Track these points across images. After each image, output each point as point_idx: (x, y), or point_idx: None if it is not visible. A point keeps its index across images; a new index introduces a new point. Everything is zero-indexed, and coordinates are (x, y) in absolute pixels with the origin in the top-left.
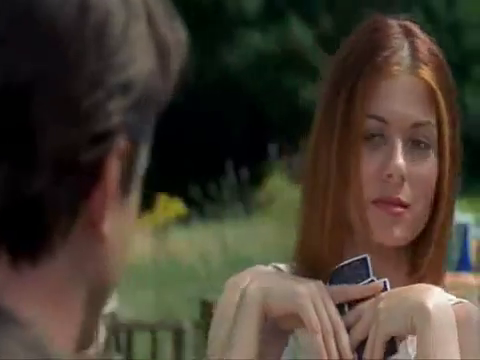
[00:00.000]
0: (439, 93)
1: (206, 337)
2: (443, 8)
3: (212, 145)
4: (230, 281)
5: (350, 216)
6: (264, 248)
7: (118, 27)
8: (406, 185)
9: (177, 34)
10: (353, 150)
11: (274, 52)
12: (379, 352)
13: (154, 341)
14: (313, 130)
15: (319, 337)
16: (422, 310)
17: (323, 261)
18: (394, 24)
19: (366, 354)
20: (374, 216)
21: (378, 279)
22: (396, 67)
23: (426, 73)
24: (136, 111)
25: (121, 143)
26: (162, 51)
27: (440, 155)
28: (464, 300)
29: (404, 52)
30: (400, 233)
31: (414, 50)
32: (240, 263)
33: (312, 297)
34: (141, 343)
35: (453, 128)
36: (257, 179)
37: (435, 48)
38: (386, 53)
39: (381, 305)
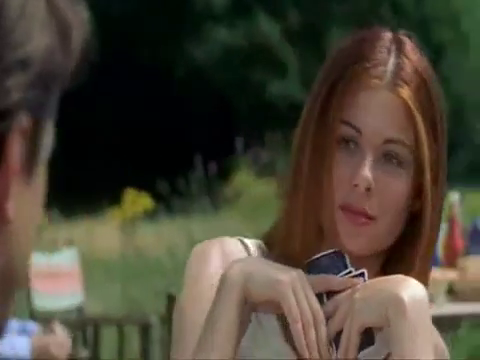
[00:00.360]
0: (417, 114)
1: (171, 330)
2: (411, 4)
3: (180, 140)
4: (198, 250)
5: (321, 218)
6: None
7: (15, 6)
8: (374, 198)
9: (79, 14)
10: (326, 153)
11: (241, 47)
12: (354, 343)
13: (121, 335)
14: (297, 130)
15: (299, 326)
16: (397, 301)
17: (295, 256)
18: (385, 37)
19: (342, 345)
20: (340, 222)
21: (356, 270)
22: (376, 80)
23: (405, 92)
24: (37, 87)
25: (23, 120)
26: (62, 29)
27: (419, 174)
28: None
29: (387, 67)
30: (363, 243)
31: (398, 67)
32: None
33: (293, 286)
34: (108, 337)
35: (436, 149)
36: (225, 174)
37: (423, 67)
38: (368, 64)
39: (357, 295)
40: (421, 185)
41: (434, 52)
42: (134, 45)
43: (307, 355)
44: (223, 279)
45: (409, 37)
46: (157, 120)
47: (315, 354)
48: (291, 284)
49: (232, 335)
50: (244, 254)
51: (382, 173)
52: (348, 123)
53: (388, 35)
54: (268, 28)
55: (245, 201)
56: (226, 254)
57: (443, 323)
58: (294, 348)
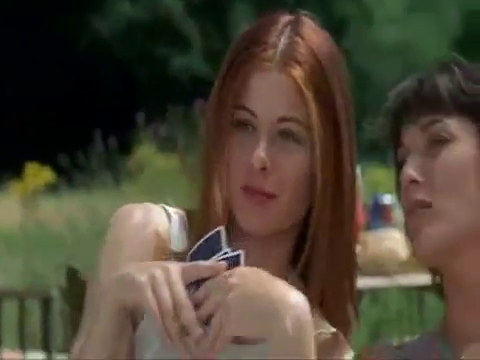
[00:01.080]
0: (307, 92)
1: (72, 304)
2: None
3: (81, 114)
4: (121, 211)
5: (229, 201)
6: None
7: None
8: (272, 176)
9: None
10: (224, 138)
11: (144, 21)
12: (223, 341)
13: (22, 308)
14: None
15: (159, 321)
16: (276, 316)
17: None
18: (281, 20)
19: (210, 336)
20: (239, 202)
21: (233, 251)
22: (267, 63)
23: (295, 72)
24: None
25: None
26: None
27: (311, 151)
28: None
29: (278, 49)
30: (260, 223)
31: (289, 47)
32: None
33: (153, 282)
34: (9, 311)
35: (332, 127)
36: (126, 148)
37: (320, 47)
38: (260, 48)
39: (232, 296)
40: (311, 161)
41: (337, 26)
42: (36, 18)
43: (169, 343)
44: (101, 292)
45: (312, 18)
46: (59, 94)
47: (176, 341)
48: (149, 281)
49: (108, 343)
50: (166, 224)
51: (279, 150)
52: (243, 107)
53: (285, 18)
54: (171, 2)
55: (146, 175)
56: (148, 220)
57: None
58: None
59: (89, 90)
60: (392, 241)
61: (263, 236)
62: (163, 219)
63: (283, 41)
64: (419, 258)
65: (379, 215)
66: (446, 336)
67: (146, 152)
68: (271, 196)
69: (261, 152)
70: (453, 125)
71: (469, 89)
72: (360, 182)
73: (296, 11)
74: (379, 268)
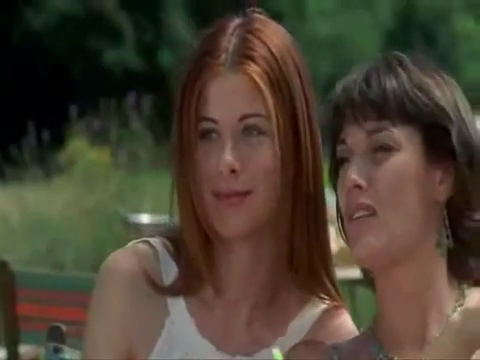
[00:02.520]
0: (263, 86)
1: (2, 295)
2: None
3: (13, 107)
4: (106, 268)
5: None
6: (64, 210)
7: None
8: (243, 175)
9: None
10: (190, 152)
11: (77, 13)
12: None
13: None
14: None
15: None
16: None
17: (193, 249)
18: (231, 25)
19: None
20: (213, 209)
21: None
22: (220, 67)
23: (250, 68)
24: None
25: None
26: None
27: (274, 141)
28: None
29: (229, 51)
30: (238, 224)
31: (242, 46)
32: (39, 225)
33: None
34: None
35: (288, 117)
36: (58, 141)
37: (274, 41)
38: (211, 56)
39: None
40: (275, 155)
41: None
42: None
43: None
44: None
45: (261, 13)
46: None
47: None
48: None
49: None
50: (155, 263)
51: (246, 148)
52: (204, 118)
53: (235, 21)
54: None
55: (78, 169)
56: (136, 268)
57: None
58: (213, 342)
59: (22, 83)
60: None
61: (246, 239)
62: (150, 260)
63: (234, 42)
64: (357, 262)
65: None
66: (378, 336)
67: (78, 145)
68: (246, 193)
69: (227, 156)
70: (399, 134)
71: (415, 96)
72: None
73: (244, 11)
74: None
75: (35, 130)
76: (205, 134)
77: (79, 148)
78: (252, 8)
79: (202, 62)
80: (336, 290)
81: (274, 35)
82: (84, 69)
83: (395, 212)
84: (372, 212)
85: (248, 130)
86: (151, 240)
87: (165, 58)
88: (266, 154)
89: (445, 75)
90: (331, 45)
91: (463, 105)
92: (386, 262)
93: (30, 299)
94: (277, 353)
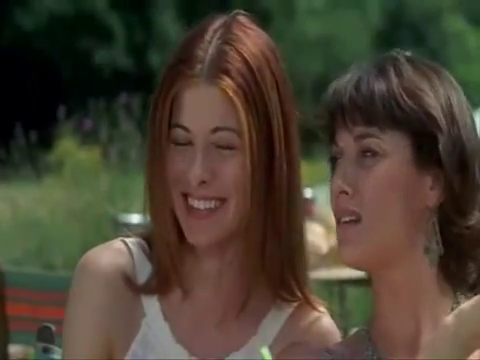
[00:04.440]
0: (237, 100)
1: None
2: None
3: (2, 108)
4: (83, 265)
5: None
6: (53, 211)
7: None
8: (213, 184)
9: None
10: (162, 157)
11: (67, 14)
12: None
13: None
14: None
15: None
16: None
17: (168, 249)
18: (211, 28)
19: None
20: (183, 218)
21: None
22: (195, 79)
23: (225, 83)
24: None
25: None
26: None
27: (246, 156)
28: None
29: (205, 63)
30: (209, 236)
31: (218, 59)
32: (29, 225)
33: None
34: None
35: (262, 131)
36: (47, 142)
37: (251, 52)
38: (187, 65)
39: None
40: (245, 166)
41: (260, 19)
42: None
43: None
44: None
45: (245, 15)
46: None
47: None
48: None
49: None
50: (129, 262)
51: (217, 158)
52: (177, 125)
53: (216, 24)
54: None
55: (68, 169)
56: (113, 267)
57: None
58: (186, 346)
59: (12, 83)
60: (313, 235)
61: (216, 247)
62: (126, 259)
63: (210, 52)
64: (346, 265)
65: None
66: (373, 338)
67: (67, 145)
68: (217, 201)
69: (197, 170)
70: (386, 140)
71: (404, 104)
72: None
73: (229, 12)
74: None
75: (24, 130)
76: (178, 141)
77: (69, 148)
78: (236, 11)
79: (177, 70)
80: (304, 294)
81: (253, 44)
82: (74, 69)
83: (380, 219)
84: (357, 218)
85: (219, 143)
86: (127, 239)
87: (155, 58)
88: (237, 167)
89: (444, 74)
90: (321, 44)
91: (460, 108)
92: (373, 265)
93: (20, 299)
94: (266, 353)
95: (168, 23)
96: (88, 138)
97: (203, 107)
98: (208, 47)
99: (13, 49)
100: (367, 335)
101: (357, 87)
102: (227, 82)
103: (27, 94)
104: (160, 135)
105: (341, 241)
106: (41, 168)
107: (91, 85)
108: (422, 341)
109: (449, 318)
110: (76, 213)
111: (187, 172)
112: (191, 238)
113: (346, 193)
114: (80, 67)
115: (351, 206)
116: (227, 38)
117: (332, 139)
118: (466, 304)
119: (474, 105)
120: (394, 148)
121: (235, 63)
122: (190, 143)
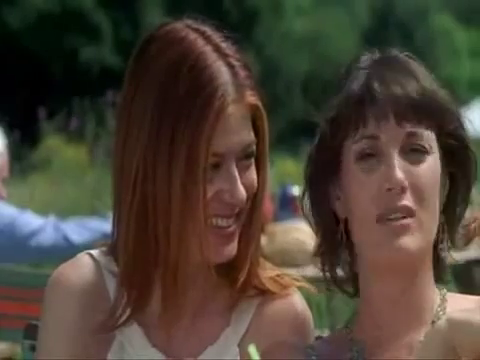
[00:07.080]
0: (262, 107)
1: None
2: None
3: None
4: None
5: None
6: (40, 209)
7: None
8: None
9: None
10: (199, 183)
11: (55, 11)
12: None
13: None
14: (122, 132)
15: None
16: None
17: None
18: (201, 44)
19: None
20: (211, 240)
21: None
22: (222, 100)
23: (250, 97)
24: None
25: None
26: None
27: (260, 168)
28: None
29: (224, 80)
30: (232, 251)
31: (234, 75)
32: None
33: None
34: None
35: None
36: (33, 140)
37: (242, 57)
38: (209, 89)
39: None
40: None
41: (248, 18)
42: None
43: None
44: None
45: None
46: None
47: None
48: None
49: None
50: (98, 276)
51: (243, 172)
52: (215, 154)
53: (210, 47)
54: None
55: (53, 167)
56: (82, 282)
57: None
58: (161, 349)
59: None
60: (300, 232)
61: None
62: (94, 271)
63: (225, 68)
64: (388, 264)
65: (287, 206)
66: (359, 338)
67: (53, 144)
68: (238, 221)
69: (239, 189)
70: (430, 137)
71: (441, 103)
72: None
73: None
74: (287, 259)
75: (10, 128)
76: (213, 167)
77: (56, 146)
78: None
79: (200, 97)
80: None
81: (244, 55)
82: (61, 67)
83: (428, 213)
84: (411, 213)
85: (245, 157)
86: (92, 252)
87: None
88: (254, 174)
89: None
90: (309, 42)
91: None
92: (416, 265)
93: (7, 296)
94: (253, 351)
95: (156, 20)
96: (75, 136)
97: (235, 127)
98: (218, 62)
99: (0, 47)
100: (351, 333)
101: (402, 84)
102: (250, 92)
103: (14, 92)
104: (199, 164)
105: (390, 237)
106: (27, 166)
107: (78, 83)
108: (412, 342)
109: (441, 323)
110: (61, 211)
111: (226, 194)
112: (220, 253)
113: (402, 189)
114: (68, 65)
115: (406, 201)
116: (231, 55)
117: (356, 132)
118: (458, 314)
119: (462, 102)
120: (433, 147)
121: (248, 74)
122: (223, 164)
